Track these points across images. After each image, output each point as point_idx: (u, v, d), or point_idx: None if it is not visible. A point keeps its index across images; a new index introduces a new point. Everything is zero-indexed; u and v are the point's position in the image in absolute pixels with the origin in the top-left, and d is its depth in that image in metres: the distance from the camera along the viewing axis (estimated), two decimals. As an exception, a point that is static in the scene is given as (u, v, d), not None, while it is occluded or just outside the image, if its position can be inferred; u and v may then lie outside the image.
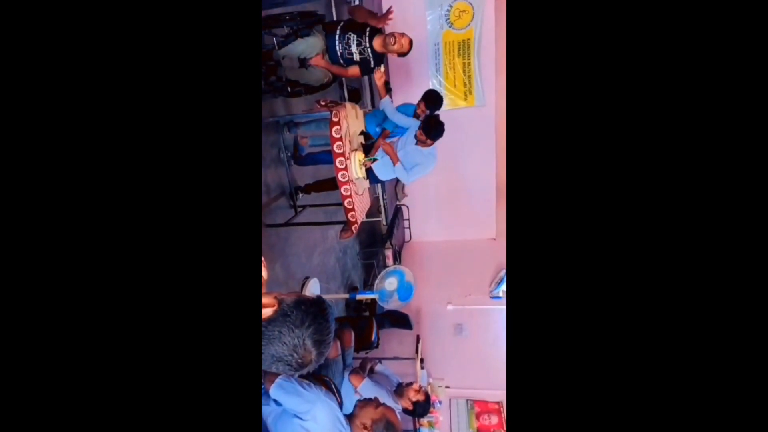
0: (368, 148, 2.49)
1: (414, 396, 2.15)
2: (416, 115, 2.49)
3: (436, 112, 2.45)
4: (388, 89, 2.51)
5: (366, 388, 2.03)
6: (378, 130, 2.63)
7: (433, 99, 2.47)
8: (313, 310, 0.76)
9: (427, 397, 2.21)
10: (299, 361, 0.75)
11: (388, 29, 2.25)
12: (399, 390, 2.20)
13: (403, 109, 2.55)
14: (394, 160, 2.35)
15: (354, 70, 2.31)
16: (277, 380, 1.17)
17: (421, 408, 2.17)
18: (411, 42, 2.24)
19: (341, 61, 2.27)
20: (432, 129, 2.23)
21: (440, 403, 3.96)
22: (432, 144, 2.32)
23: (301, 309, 0.75)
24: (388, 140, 2.51)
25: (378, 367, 2.42)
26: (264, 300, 0.76)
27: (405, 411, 2.18)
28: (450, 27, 4.22)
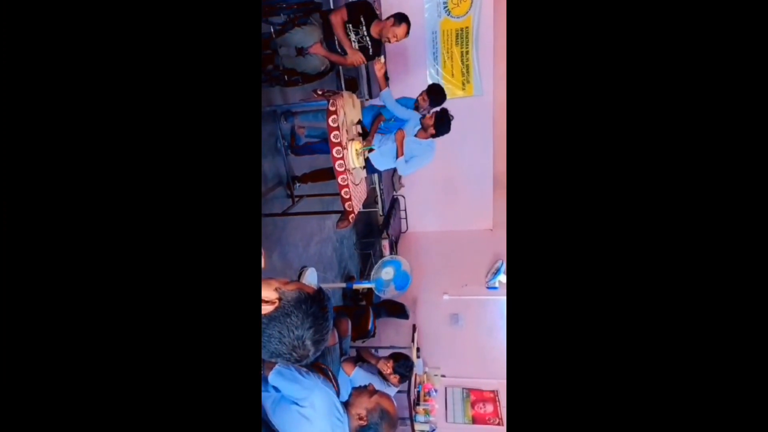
0: (366, 135, 2.49)
1: (386, 369, 2.16)
2: (417, 107, 2.48)
3: (446, 109, 2.44)
4: (386, 80, 2.49)
5: (358, 376, 2.05)
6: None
7: (436, 92, 2.48)
8: (313, 311, 0.76)
9: (397, 356, 2.22)
10: (297, 358, 0.76)
11: (384, 14, 2.22)
12: (379, 372, 2.22)
13: (403, 101, 2.55)
14: (400, 151, 2.35)
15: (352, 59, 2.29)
16: (276, 367, 1.18)
17: (402, 367, 2.18)
18: (407, 30, 2.21)
19: (339, 50, 2.25)
20: (443, 124, 2.28)
21: (436, 391, 4.01)
22: (435, 137, 2.35)
23: (302, 309, 0.75)
24: (381, 132, 2.50)
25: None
26: (264, 294, 0.76)
27: (399, 384, 2.18)
28: (448, 15, 4.17)
